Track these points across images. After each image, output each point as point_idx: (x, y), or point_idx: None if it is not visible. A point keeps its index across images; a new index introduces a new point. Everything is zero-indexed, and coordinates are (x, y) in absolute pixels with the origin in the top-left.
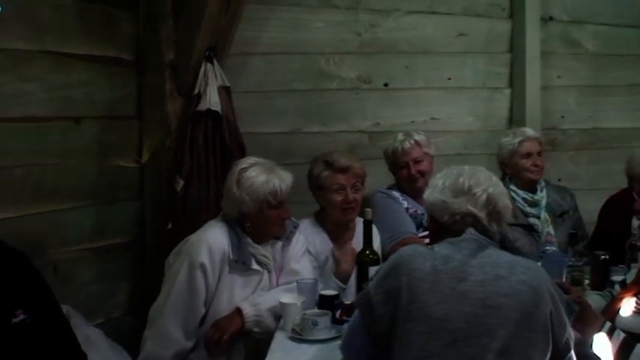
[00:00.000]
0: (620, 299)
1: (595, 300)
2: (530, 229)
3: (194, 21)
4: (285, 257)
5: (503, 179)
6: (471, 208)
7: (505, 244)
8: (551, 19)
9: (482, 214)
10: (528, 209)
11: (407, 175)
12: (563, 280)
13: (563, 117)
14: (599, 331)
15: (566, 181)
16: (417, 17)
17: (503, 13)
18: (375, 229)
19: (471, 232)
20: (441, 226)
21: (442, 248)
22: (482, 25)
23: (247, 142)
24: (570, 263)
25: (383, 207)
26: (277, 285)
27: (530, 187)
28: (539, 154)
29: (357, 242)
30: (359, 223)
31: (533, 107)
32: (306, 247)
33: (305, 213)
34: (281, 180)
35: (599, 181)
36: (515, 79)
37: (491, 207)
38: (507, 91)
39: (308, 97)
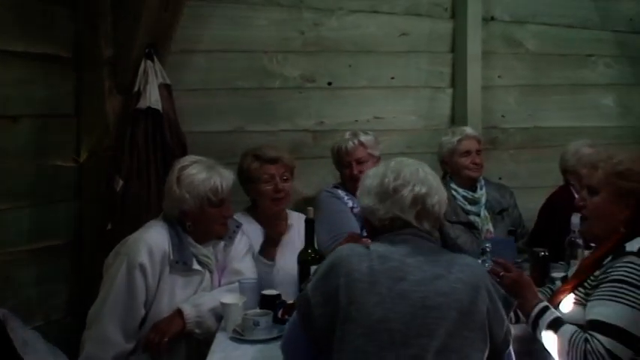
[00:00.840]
0: (562, 292)
1: None
2: (470, 227)
3: (133, 17)
4: (227, 257)
5: (444, 177)
6: (398, 213)
7: (447, 242)
8: (492, 19)
9: (410, 217)
10: (469, 207)
11: (349, 175)
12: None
13: (503, 116)
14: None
15: (507, 179)
16: (360, 16)
17: (446, 13)
18: None
19: (407, 230)
20: (376, 228)
21: (379, 247)
22: (424, 25)
23: (189, 141)
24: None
25: (327, 206)
26: (219, 285)
27: (471, 185)
28: (478, 152)
29: (293, 238)
30: (293, 217)
31: (475, 106)
32: (249, 246)
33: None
34: (222, 177)
35: (539, 179)
36: (457, 79)
37: (420, 207)
38: (449, 91)
39: (251, 96)
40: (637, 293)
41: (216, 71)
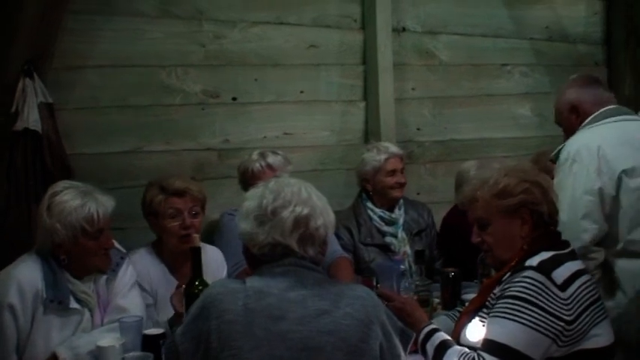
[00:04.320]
0: (465, 314)
1: (443, 322)
2: (385, 249)
3: (8, 32)
4: (110, 292)
5: (359, 196)
6: (278, 237)
7: (360, 265)
8: (404, 29)
9: (291, 242)
10: (385, 228)
11: None
12: (398, 288)
13: (419, 129)
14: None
15: (425, 194)
16: (264, 28)
17: (355, 25)
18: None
19: (289, 259)
20: (255, 257)
21: (256, 281)
22: (333, 37)
23: (81, 164)
24: (417, 282)
25: (230, 230)
26: (102, 324)
27: (390, 205)
28: (402, 171)
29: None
30: (205, 251)
31: (388, 120)
32: (135, 279)
33: (148, 241)
34: (98, 204)
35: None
36: (369, 92)
37: (302, 230)
38: (362, 104)
39: (148, 113)
40: (531, 310)
41: (108, 88)
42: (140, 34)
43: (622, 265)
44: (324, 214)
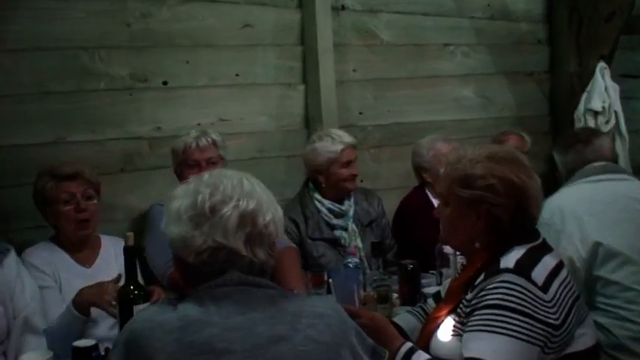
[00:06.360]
0: (433, 320)
1: (406, 321)
2: (335, 244)
3: None
4: None
5: (305, 186)
6: (220, 239)
7: (308, 261)
8: (343, 8)
9: (237, 243)
10: (335, 221)
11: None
12: (359, 297)
13: (361, 113)
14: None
15: (369, 180)
16: (195, 6)
17: (292, 3)
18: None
19: (231, 275)
20: (191, 269)
21: (190, 308)
22: (269, 16)
23: None
24: (375, 277)
25: (161, 222)
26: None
27: (340, 196)
28: (354, 161)
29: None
30: (107, 243)
31: (329, 104)
32: (17, 271)
33: None
34: None
35: (401, 178)
36: (309, 74)
37: (249, 228)
38: (301, 87)
39: (70, 100)
40: (516, 319)
41: (24, 73)
42: (58, 14)
43: None
44: (272, 209)
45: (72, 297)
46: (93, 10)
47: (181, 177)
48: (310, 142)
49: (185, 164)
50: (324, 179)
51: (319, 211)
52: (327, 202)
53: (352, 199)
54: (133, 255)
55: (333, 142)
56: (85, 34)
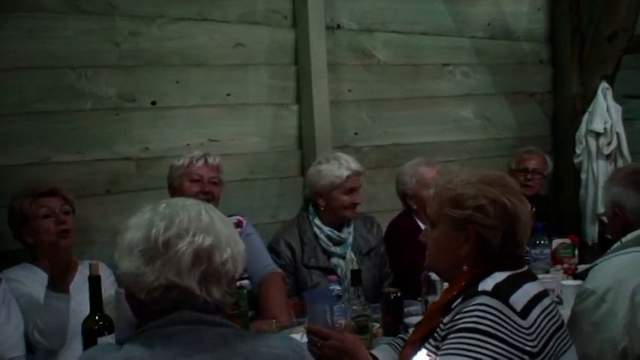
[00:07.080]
0: (409, 345)
1: (385, 353)
2: (331, 273)
3: None
4: None
5: (305, 209)
6: (173, 278)
7: (302, 291)
8: (338, 27)
9: (190, 282)
10: (333, 249)
11: (195, 193)
12: (331, 318)
13: (356, 134)
14: None
15: (365, 203)
16: (186, 25)
17: (286, 21)
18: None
19: (181, 314)
20: (142, 305)
21: (136, 348)
22: (262, 35)
23: None
24: (355, 307)
25: None
26: None
27: (339, 223)
28: (359, 189)
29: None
30: (84, 268)
31: (324, 124)
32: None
33: None
34: None
35: (398, 201)
36: (303, 94)
37: (204, 267)
38: (294, 108)
39: (56, 120)
40: (489, 343)
41: (9, 93)
42: (46, 32)
43: None
44: (232, 244)
45: None
46: (81, 29)
47: (178, 192)
48: (316, 163)
49: (188, 177)
50: (324, 203)
51: (317, 238)
52: (326, 229)
53: (352, 227)
54: (98, 285)
55: (340, 166)
56: (72, 54)
